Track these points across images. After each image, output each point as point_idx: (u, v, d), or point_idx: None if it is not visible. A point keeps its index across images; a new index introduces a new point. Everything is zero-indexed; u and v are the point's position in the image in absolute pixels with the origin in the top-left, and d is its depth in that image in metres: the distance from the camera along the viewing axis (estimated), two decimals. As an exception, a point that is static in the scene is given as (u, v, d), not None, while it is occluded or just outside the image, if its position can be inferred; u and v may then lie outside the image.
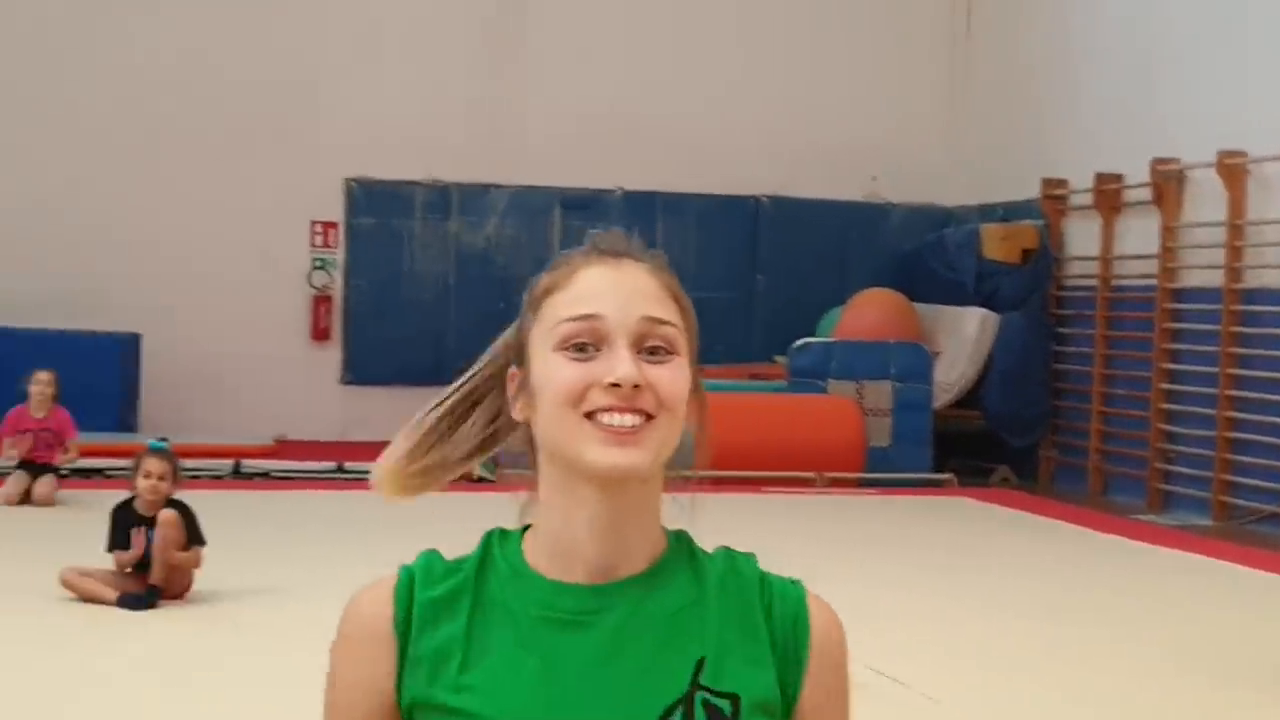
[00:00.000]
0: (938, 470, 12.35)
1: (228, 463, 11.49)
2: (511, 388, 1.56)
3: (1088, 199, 12.68)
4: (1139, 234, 12.17)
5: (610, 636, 1.48)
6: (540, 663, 1.47)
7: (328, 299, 13.85)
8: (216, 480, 11.10)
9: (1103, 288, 12.60)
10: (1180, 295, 11.77)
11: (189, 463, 11.14)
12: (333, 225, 13.85)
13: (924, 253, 13.96)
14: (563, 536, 1.50)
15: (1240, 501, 10.97)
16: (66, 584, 6.71)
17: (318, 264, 13.81)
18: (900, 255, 14.30)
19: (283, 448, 12.40)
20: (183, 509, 6.83)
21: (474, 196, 14.05)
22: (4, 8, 13.16)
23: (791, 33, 14.45)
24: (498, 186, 14.06)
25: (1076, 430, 12.92)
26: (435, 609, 1.50)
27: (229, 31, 13.45)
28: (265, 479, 11.42)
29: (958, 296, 13.24)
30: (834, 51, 14.53)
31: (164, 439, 7.31)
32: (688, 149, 14.11)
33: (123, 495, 6.99)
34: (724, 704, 1.48)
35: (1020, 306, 13.00)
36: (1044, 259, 13.10)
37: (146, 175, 13.26)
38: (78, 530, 7.27)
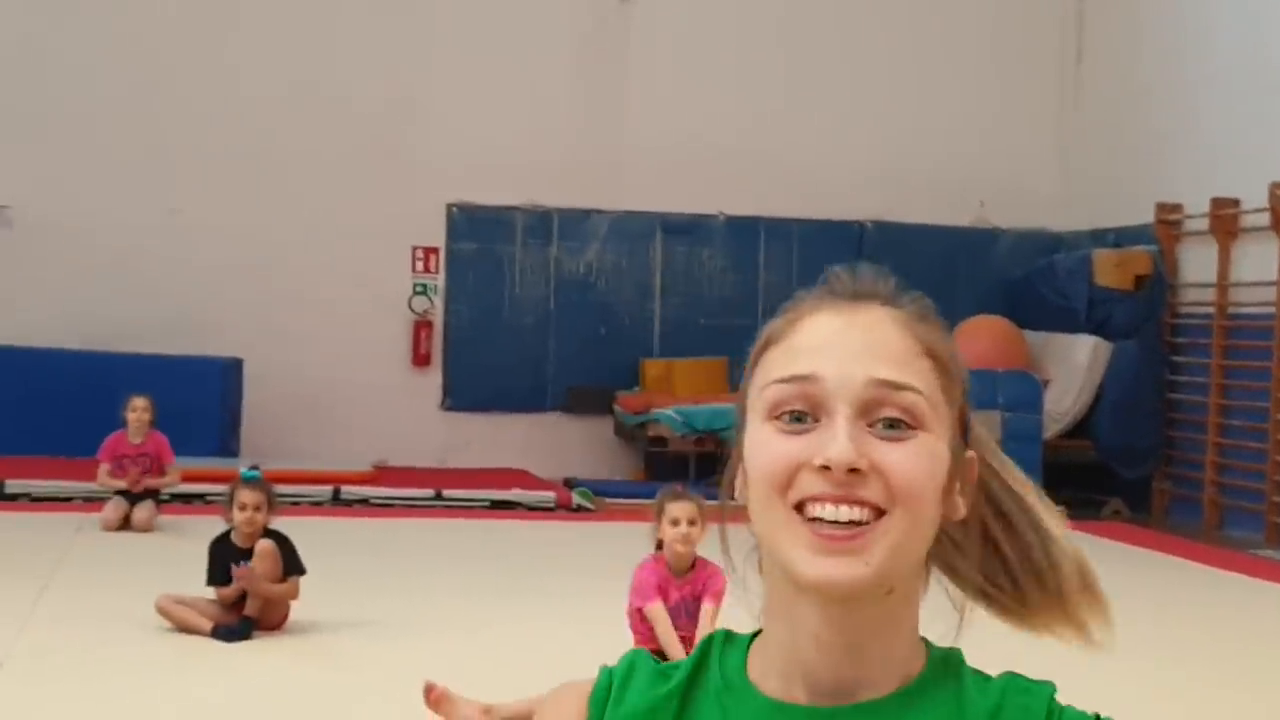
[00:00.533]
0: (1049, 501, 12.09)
1: (327, 489, 11.47)
2: (733, 463, 1.29)
3: (1203, 224, 12.39)
4: (1257, 260, 11.87)
5: None
6: None
7: (429, 324, 13.83)
8: (316, 507, 11.09)
9: (1219, 315, 12.31)
10: (1302, 323, 11.48)
11: (288, 489, 11.20)
12: (434, 250, 13.84)
13: (1033, 279, 13.75)
14: (788, 649, 1.23)
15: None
16: (162, 612, 6.69)
17: (419, 289, 13.79)
18: (1009, 281, 14.08)
19: (382, 474, 12.38)
20: (280, 539, 6.79)
21: (575, 221, 13.98)
22: (115, 34, 13.29)
23: (897, 56, 14.27)
24: (599, 211, 13.98)
25: (1191, 462, 12.63)
26: None
27: (334, 56, 13.51)
28: (364, 505, 11.41)
29: (1068, 324, 13.02)
30: (941, 74, 14.32)
31: (255, 467, 7.30)
32: (791, 173, 13.96)
33: (222, 525, 6.96)
34: None
35: (1133, 334, 12.76)
36: (1158, 286, 12.85)
37: (249, 200, 13.33)
38: (176, 557, 7.28)
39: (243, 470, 7.17)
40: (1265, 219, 11.62)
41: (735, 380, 13.60)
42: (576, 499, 11.75)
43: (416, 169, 13.59)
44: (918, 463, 1.18)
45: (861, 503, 1.16)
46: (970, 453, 1.27)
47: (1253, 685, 6.61)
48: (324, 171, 13.44)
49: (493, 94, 13.72)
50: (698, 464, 12.83)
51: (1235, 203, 12.08)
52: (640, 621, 5.64)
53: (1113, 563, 10.04)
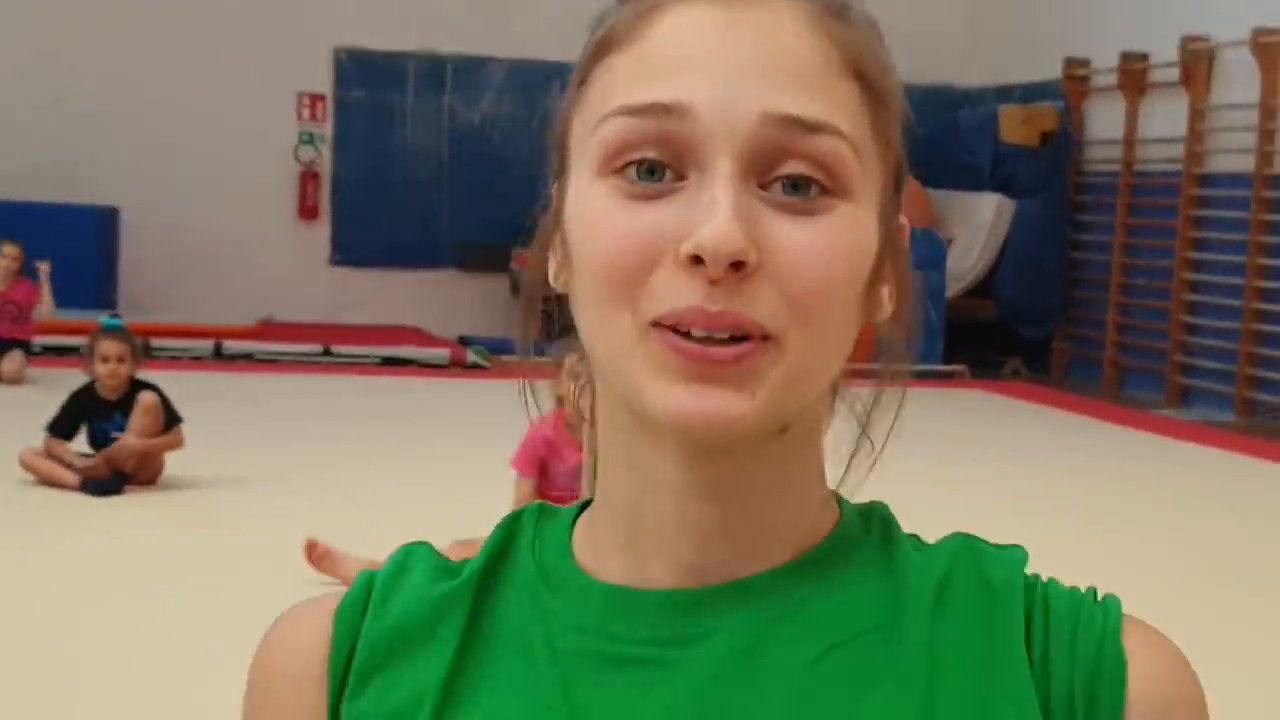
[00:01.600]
0: (949, 361, 12.20)
1: (209, 344, 11.34)
2: (545, 232, 0.89)
3: (1111, 80, 12.39)
4: (1165, 117, 11.90)
5: (709, 683, 0.82)
6: None
7: (315, 175, 13.55)
8: (196, 361, 11.01)
9: (1125, 173, 12.35)
10: (1207, 181, 11.56)
11: (168, 343, 11.01)
12: (321, 98, 13.51)
13: (938, 135, 13.61)
14: (635, 515, 0.85)
15: (1265, 397, 10.81)
16: (26, 466, 6.51)
17: (305, 139, 13.48)
18: (912, 137, 13.89)
19: (267, 329, 12.22)
20: (150, 389, 6.61)
21: (470, 70, 13.68)
22: None
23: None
24: (495, 59, 13.68)
25: (1093, 322, 12.76)
26: (399, 641, 0.87)
27: (212, -109, 13.03)
28: (248, 361, 11.26)
29: (973, 181, 13.00)
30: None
31: (116, 315, 7.05)
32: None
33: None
34: None
35: (1038, 192, 12.81)
36: (1064, 143, 12.87)
37: (126, 44, 12.89)
38: (46, 410, 7.05)
39: (102, 319, 6.91)
40: (1175, 74, 11.62)
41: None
42: (471, 356, 11.70)
43: (302, 10, 13.23)
44: (832, 253, 0.79)
45: (743, 323, 0.77)
46: (902, 219, 0.89)
47: (1147, 533, 6.71)
48: (204, 13, 13.04)
49: (383, -66, 13.34)
50: (595, 321, 12.76)
51: (1144, 57, 12.08)
52: (533, 472, 5.47)
53: (1013, 420, 10.20)
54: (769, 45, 0.79)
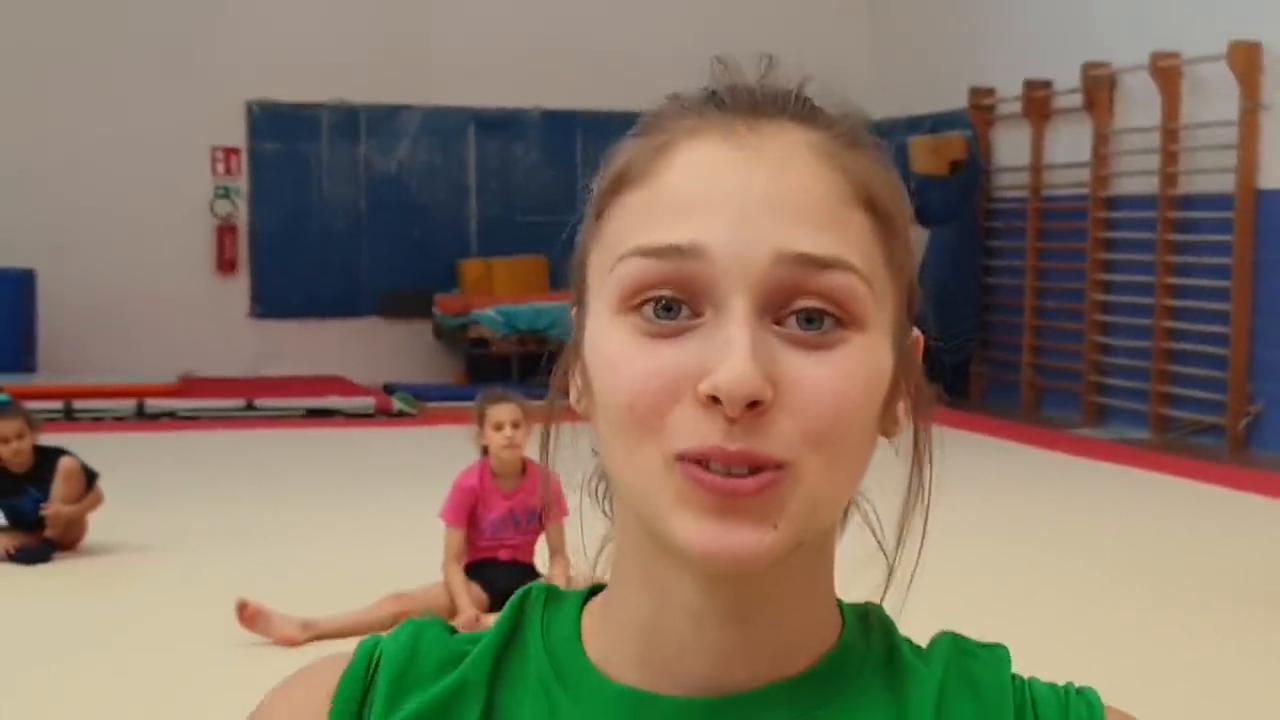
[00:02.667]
0: (868, 389, 12.26)
1: (131, 403, 11.22)
2: (566, 358, 0.91)
3: (1016, 107, 12.50)
4: (1070, 142, 12.02)
5: None
6: None
7: (232, 229, 13.46)
8: (119, 422, 10.89)
9: (1033, 198, 12.46)
10: (1114, 203, 11.67)
11: (89, 404, 10.94)
12: (235, 151, 13.45)
13: (850, 167, 13.81)
14: (649, 624, 0.87)
15: (1178, 414, 10.92)
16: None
17: (220, 193, 13.40)
18: (826, 170, 14.14)
19: (189, 386, 12.08)
20: (60, 453, 6.54)
21: (383, 118, 13.69)
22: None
23: (709, -59, 14.15)
24: (408, 107, 13.70)
25: (1008, 345, 12.85)
26: None
27: (118, -51, 12.99)
28: (171, 419, 11.16)
29: (886, 211, 13.09)
30: (753, -40, 14.25)
31: (3, 395, 6.98)
32: (608, 64, 13.77)
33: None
34: None
35: (949, 220, 12.84)
36: (973, 170, 12.95)
37: (34, 107, 12.78)
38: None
39: None
40: (1078, 100, 11.76)
41: (556, 279, 13.64)
42: (397, 404, 11.66)
43: (212, 65, 13.16)
44: (846, 386, 0.81)
45: (760, 459, 0.79)
46: (915, 334, 0.92)
47: (1070, 552, 6.76)
48: (113, 71, 12.94)
49: (292, -15, 13.35)
50: (521, 364, 12.75)
51: (1048, 85, 12.19)
52: (460, 523, 5.52)
53: (938, 447, 10.23)
54: (780, 182, 0.81)
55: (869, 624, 0.92)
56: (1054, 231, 12.42)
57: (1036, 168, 12.42)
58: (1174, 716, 4.54)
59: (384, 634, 0.92)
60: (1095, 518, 7.81)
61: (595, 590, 0.93)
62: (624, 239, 0.83)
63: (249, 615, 5.11)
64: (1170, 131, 10.89)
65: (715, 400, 0.78)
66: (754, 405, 0.78)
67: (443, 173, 13.83)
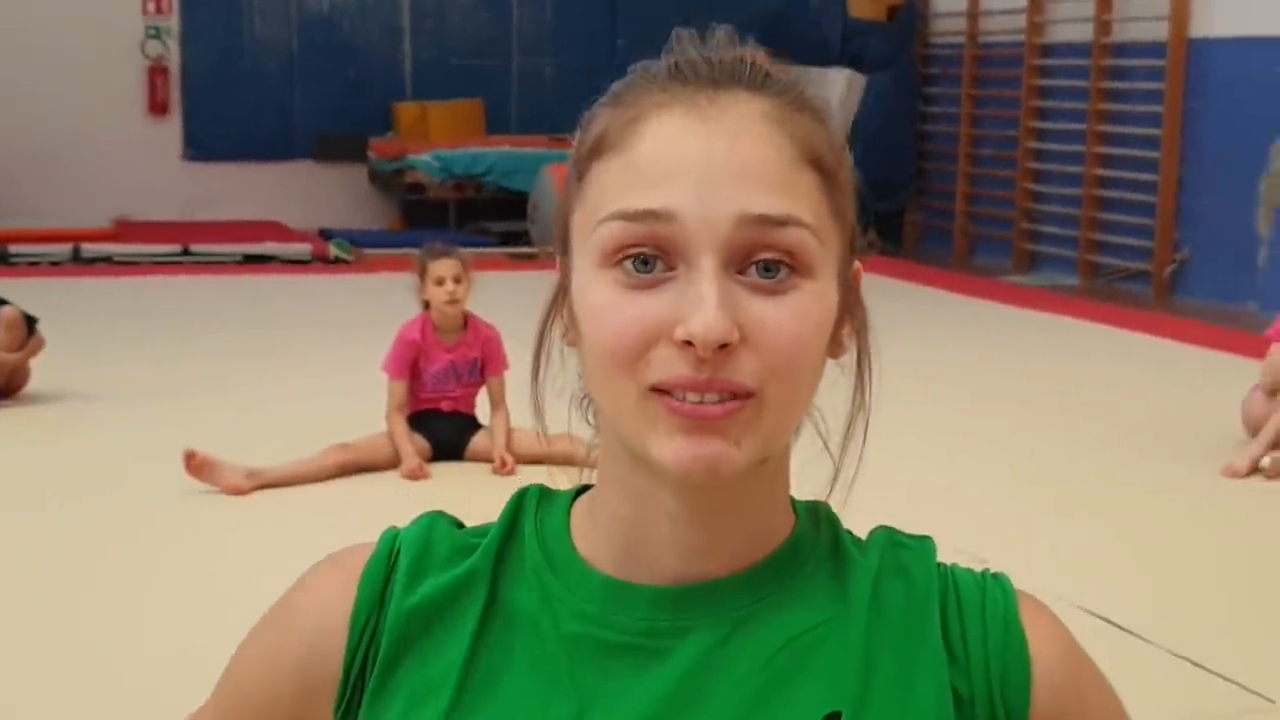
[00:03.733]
0: (803, 235, 12.32)
1: (66, 248, 11.10)
2: (556, 297, 1.04)
3: (955, -48, 12.49)
4: (1007, -12, 12.03)
5: (692, 670, 0.98)
6: (577, 709, 0.99)
7: (164, 70, 13.21)
8: (54, 266, 10.80)
9: (970, 45, 12.46)
10: (1049, 51, 11.71)
11: (23, 249, 10.86)
12: (165, -11, 13.20)
13: (787, 11, 13.65)
14: (631, 527, 1.00)
15: (1107, 260, 11.10)
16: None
17: (151, 33, 13.11)
18: (763, 13, 13.93)
19: (124, 230, 11.95)
20: (8, 304, 6.50)
21: (316, -44, 13.46)
22: None
23: None
24: (342, -57, 13.48)
25: (942, 193, 12.96)
26: (423, 619, 1.02)
27: None
28: (107, 263, 11.04)
29: (823, 57, 12.93)
30: None
31: None
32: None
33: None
34: None
35: (887, 66, 12.86)
36: (910, 16, 12.95)
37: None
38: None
39: None
40: (1015, -54, 11.75)
41: (493, 123, 13.58)
42: (333, 250, 11.58)
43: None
44: (800, 325, 0.94)
45: (731, 387, 0.92)
46: (856, 264, 1.03)
47: (999, 394, 6.93)
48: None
49: None
50: (458, 210, 12.75)
51: (987, -70, 12.18)
52: (402, 375, 5.58)
53: (873, 294, 10.32)
54: (738, 150, 0.94)
55: (818, 519, 1.05)
56: (989, 79, 12.47)
57: (973, 14, 12.40)
58: (1093, 544, 4.75)
59: (401, 527, 1.06)
60: (1024, 363, 7.93)
61: (580, 491, 1.06)
62: (604, 203, 0.95)
63: (196, 465, 5.13)
64: (1106, -21, 10.94)
65: (689, 344, 0.91)
66: (723, 347, 0.91)
67: (376, 13, 13.60)
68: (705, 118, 0.95)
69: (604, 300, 0.94)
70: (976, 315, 9.65)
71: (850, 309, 1.03)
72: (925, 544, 1.05)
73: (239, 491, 5.12)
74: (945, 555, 1.05)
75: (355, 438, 5.51)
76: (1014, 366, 7.88)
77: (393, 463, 5.45)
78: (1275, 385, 5.87)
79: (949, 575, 1.04)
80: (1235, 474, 5.62)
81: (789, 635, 1.00)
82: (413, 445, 5.46)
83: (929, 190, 13.16)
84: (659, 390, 0.93)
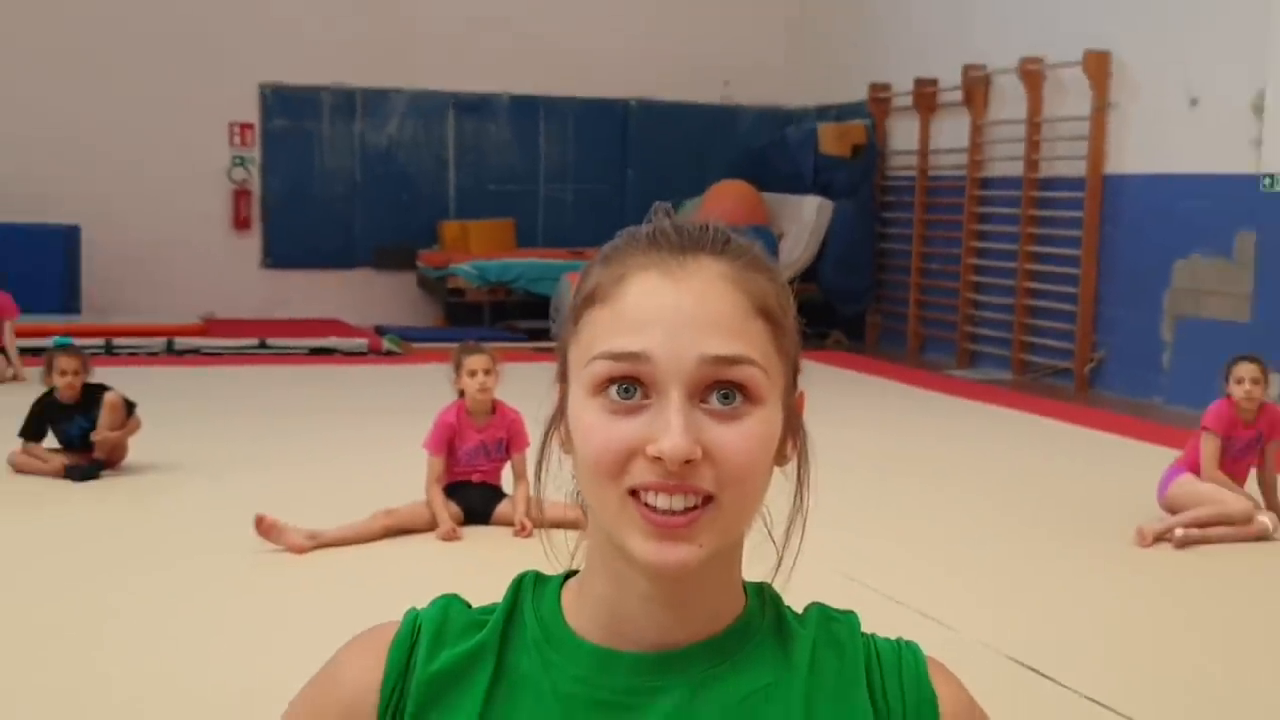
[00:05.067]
0: (782, 336, 12.30)
1: (161, 341, 11.11)
2: (556, 415, 1.08)
3: (908, 101, 12.56)
4: (951, 131, 12.12)
5: None
6: None
7: (247, 192, 13.34)
8: (151, 357, 10.80)
9: (920, 178, 12.54)
10: (986, 183, 11.76)
11: (125, 341, 10.91)
12: (249, 126, 13.30)
13: (769, 149, 13.83)
14: (614, 605, 1.04)
15: (1035, 359, 11.10)
16: (15, 466, 6.42)
17: (237, 161, 13.27)
18: (749, 151, 14.15)
19: (211, 326, 12.00)
20: (105, 388, 6.51)
21: (376, 100, 13.58)
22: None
23: (653, -46, 14.10)
24: (397, 90, 13.59)
25: (898, 300, 12.97)
26: (444, 683, 1.05)
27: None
28: (196, 355, 11.06)
29: (798, 186, 13.11)
30: (690, -30, 14.22)
31: (68, 336, 6.94)
32: (564, 57, 13.76)
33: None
34: None
35: (851, 195, 12.92)
36: (871, 153, 13.02)
37: (81, 82, 12.60)
38: (25, 403, 6.92)
39: (55, 339, 6.78)
40: (958, 96, 11.86)
41: (522, 238, 13.66)
42: (386, 344, 11.62)
43: (230, 52, 13.00)
44: (750, 445, 0.99)
45: (694, 490, 0.97)
46: (799, 391, 1.08)
47: (950, 477, 6.83)
48: (147, 53, 12.76)
49: (299, -17, 13.21)
50: (491, 311, 12.81)
51: (934, 82, 12.26)
52: (440, 451, 5.59)
53: (836, 384, 10.37)
54: (701, 305, 0.99)
55: (764, 598, 1.09)
56: (937, 206, 12.53)
57: (924, 152, 12.49)
58: (1024, 613, 4.69)
59: (421, 607, 1.10)
60: (963, 446, 7.91)
61: (566, 576, 1.10)
62: (595, 344, 1.00)
63: (265, 527, 5.15)
64: (1034, 124, 11.01)
65: (660, 459, 0.96)
66: (688, 462, 0.96)
67: (426, 147, 13.77)
68: (676, 278, 1.00)
69: (593, 422, 0.99)
70: (925, 403, 9.63)
71: (794, 428, 1.06)
72: (851, 617, 1.10)
73: (300, 551, 5.13)
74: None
75: (399, 505, 5.50)
76: (955, 448, 7.85)
77: (430, 526, 5.45)
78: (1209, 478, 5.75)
79: (871, 643, 1.08)
80: (1144, 541, 5.57)
81: (743, 694, 1.04)
82: (447, 511, 5.46)
83: (886, 297, 13.18)
84: (635, 492, 0.98)
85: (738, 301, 1.00)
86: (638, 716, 1.02)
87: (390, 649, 1.06)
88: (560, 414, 1.06)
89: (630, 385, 0.98)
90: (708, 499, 0.98)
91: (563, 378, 1.06)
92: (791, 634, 1.07)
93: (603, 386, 0.99)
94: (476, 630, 1.06)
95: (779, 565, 1.11)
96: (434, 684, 1.04)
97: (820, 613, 1.09)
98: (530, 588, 1.09)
